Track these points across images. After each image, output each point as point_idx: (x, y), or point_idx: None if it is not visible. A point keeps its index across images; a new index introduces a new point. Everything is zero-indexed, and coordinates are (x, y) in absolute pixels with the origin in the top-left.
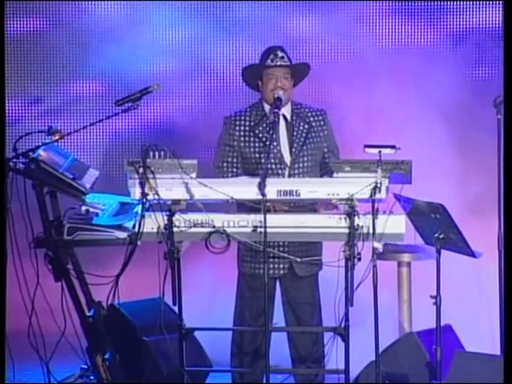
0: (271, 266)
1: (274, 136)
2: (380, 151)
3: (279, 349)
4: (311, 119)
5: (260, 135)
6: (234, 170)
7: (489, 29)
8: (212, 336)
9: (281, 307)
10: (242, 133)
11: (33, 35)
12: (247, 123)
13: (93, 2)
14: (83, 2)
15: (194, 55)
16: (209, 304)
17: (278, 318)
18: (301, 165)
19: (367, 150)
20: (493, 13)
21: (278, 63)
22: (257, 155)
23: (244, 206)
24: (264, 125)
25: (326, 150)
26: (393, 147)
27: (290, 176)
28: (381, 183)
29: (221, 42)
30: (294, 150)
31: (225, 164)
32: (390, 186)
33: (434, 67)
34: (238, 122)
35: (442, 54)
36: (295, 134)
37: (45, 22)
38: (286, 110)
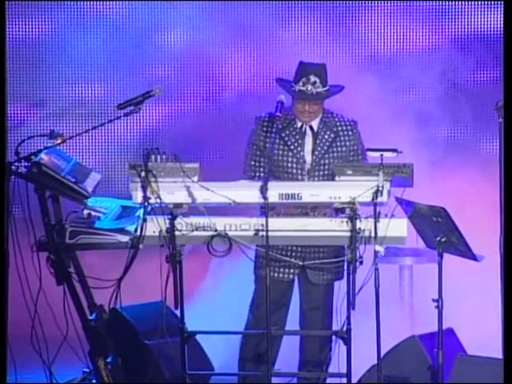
0: (281, 269)
1: (300, 141)
2: (382, 155)
3: (289, 354)
4: (339, 128)
5: (286, 139)
6: (261, 169)
7: (491, 30)
8: (214, 339)
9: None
10: (269, 134)
11: (34, 38)
12: (274, 125)
13: (95, 4)
14: (86, 4)
15: (197, 58)
16: (211, 308)
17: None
18: (321, 172)
19: (369, 153)
20: (495, 14)
21: (309, 90)
22: (279, 158)
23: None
24: (291, 129)
25: (351, 159)
26: (394, 151)
27: None
28: (382, 187)
29: (225, 44)
30: (314, 157)
31: (252, 163)
32: (391, 190)
33: (435, 68)
34: (266, 124)
35: (443, 55)
36: (318, 142)
37: (47, 25)
38: (314, 122)
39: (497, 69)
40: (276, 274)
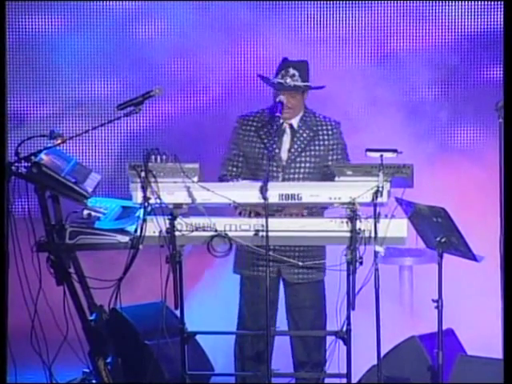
0: (260, 268)
1: (276, 139)
2: (382, 155)
3: (283, 352)
4: (319, 128)
5: (263, 137)
6: (235, 168)
7: (492, 30)
8: (214, 340)
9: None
10: (246, 132)
11: (34, 38)
12: (254, 124)
13: (95, 4)
14: (85, 5)
15: (196, 58)
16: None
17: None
18: (297, 170)
19: (369, 153)
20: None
21: (287, 82)
22: (256, 156)
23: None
24: (269, 127)
25: (330, 158)
26: (394, 151)
27: (283, 180)
28: (382, 187)
29: (224, 44)
30: (290, 154)
31: (227, 161)
32: (391, 190)
33: (435, 68)
34: (246, 122)
35: (445, 55)
36: (296, 139)
37: (47, 26)
38: (294, 120)
39: (497, 69)
40: (255, 273)
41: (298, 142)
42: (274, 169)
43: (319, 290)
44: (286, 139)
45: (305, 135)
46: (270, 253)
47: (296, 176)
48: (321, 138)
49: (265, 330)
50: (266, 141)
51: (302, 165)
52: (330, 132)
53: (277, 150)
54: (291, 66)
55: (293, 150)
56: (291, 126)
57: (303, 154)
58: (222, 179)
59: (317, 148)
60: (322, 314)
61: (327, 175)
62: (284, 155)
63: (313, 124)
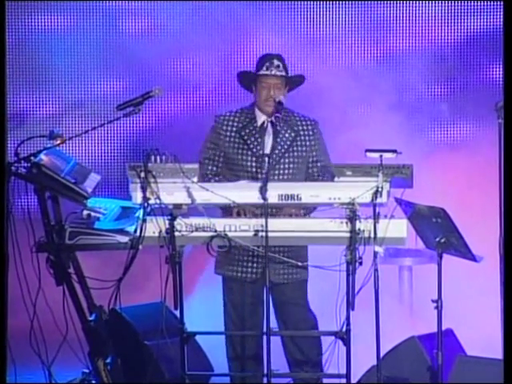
0: (244, 269)
1: (260, 140)
2: (381, 155)
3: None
4: (299, 128)
5: (245, 137)
6: (214, 168)
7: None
8: (213, 340)
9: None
10: (228, 133)
11: (34, 38)
12: (235, 124)
13: (96, 4)
14: (84, 5)
15: (196, 58)
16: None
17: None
18: (281, 171)
19: (368, 154)
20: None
21: (273, 72)
22: (239, 157)
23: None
24: (251, 127)
25: (311, 160)
26: (394, 151)
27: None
28: (382, 187)
29: (222, 45)
30: (274, 155)
31: (206, 161)
32: (391, 191)
33: (434, 68)
34: (226, 122)
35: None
36: (279, 140)
37: (46, 26)
38: (274, 117)
39: (496, 69)
40: (239, 274)
41: (282, 143)
42: (258, 170)
43: (304, 288)
44: (268, 138)
45: (287, 135)
46: (256, 252)
47: (280, 178)
48: (302, 138)
49: (251, 329)
50: (248, 141)
51: (286, 165)
52: (310, 132)
53: (261, 151)
54: (275, 58)
55: (276, 151)
56: (272, 124)
57: (286, 155)
58: (203, 179)
59: (299, 149)
60: (309, 311)
61: (310, 176)
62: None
63: (293, 123)
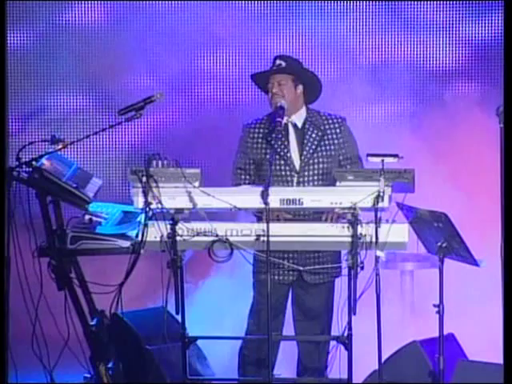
0: (281, 272)
1: (286, 142)
2: (383, 160)
3: (289, 359)
4: (326, 126)
5: (272, 142)
6: (248, 176)
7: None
8: (214, 345)
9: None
10: (255, 140)
11: (35, 44)
12: (261, 131)
13: (94, 9)
14: (84, 10)
15: (197, 62)
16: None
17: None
18: (311, 172)
19: (370, 158)
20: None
21: (273, 69)
22: (268, 162)
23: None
24: (276, 131)
25: (341, 158)
26: (395, 156)
27: (298, 183)
28: (383, 192)
29: (226, 48)
30: (303, 157)
31: (238, 171)
32: (392, 195)
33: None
34: (252, 130)
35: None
36: (305, 141)
37: (47, 32)
38: (296, 118)
39: (496, 70)
40: (276, 277)
41: (309, 144)
42: (288, 173)
43: (330, 290)
44: (293, 140)
45: (314, 135)
46: (290, 255)
47: (311, 178)
48: (330, 137)
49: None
50: (276, 146)
51: (316, 166)
52: (337, 130)
53: (288, 154)
54: (278, 58)
55: (305, 153)
56: (295, 125)
57: (315, 156)
58: None
59: (327, 148)
60: (330, 316)
61: None
62: (296, 159)
63: (320, 123)
